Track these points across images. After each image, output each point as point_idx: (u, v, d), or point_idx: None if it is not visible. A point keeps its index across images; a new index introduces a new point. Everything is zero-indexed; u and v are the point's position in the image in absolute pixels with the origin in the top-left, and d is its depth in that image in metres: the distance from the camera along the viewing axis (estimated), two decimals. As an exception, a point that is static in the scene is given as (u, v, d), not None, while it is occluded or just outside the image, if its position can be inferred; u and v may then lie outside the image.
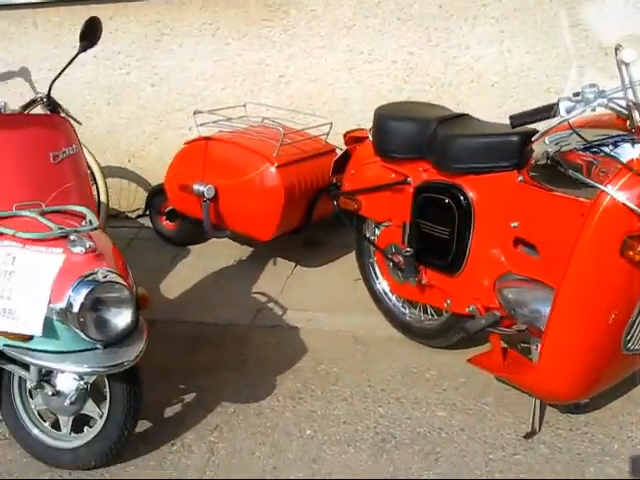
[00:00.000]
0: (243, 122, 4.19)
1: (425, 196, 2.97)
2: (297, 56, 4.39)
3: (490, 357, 2.84)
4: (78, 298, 2.22)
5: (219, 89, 4.59)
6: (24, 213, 2.59)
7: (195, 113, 4.09)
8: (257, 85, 4.52)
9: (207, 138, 3.99)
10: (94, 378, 2.56)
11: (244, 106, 4.36)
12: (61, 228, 2.43)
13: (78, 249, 2.31)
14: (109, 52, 4.72)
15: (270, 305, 3.83)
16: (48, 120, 2.95)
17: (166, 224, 4.59)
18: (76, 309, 2.22)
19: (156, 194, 4.60)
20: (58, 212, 2.69)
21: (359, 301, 3.73)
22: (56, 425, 2.72)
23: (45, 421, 2.74)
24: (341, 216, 3.53)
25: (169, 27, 4.54)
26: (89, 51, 4.62)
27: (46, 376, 2.57)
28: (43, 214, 2.58)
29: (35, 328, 2.22)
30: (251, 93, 4.53)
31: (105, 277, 2.27)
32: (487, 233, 2.78)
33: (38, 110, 3.27)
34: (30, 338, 2.30)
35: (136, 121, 4.85)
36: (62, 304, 2.23)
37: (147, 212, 4.73)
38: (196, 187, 3.85)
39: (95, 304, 2.28)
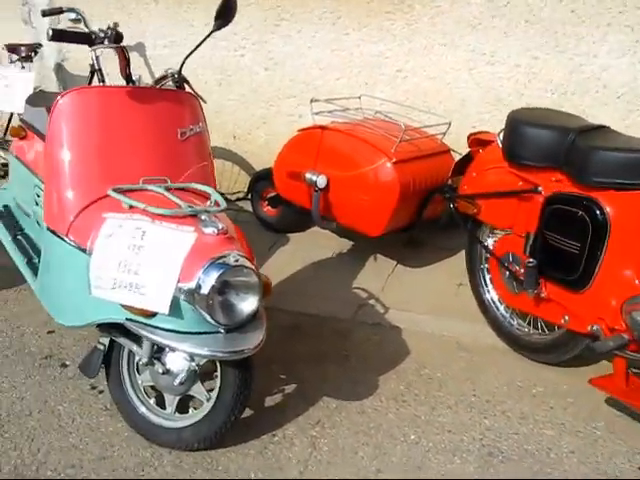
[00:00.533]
0: (358, 114, 4.13)
1: (556, 207, 2.85)
2: (417, 52, 4.30)
3: (613, 381, 2.73)
4: (208, 280, 2.18)
5: (333, 79, 4.54)
6: (151, 188, 2.58)
7: (312, 101, 4.05)
8: (373, 78, 4.44)
9: (323, 127, 3.94)
10: (206, 360, 2.54)
11: (359, 98, 4.29)
12: (190, 206, 2.41)
13: (210, 230, 2.28)
14: (226, 33, 4.67)
15: (371, 302, 3.76)
16: (177, 96, 2.94)
17: (267, 210, 4.57)
18: (205, 291, 2.18)
19: (260, 179, 4.59)
20: (182, 189, 2.68)
21: (462, 306, 3.65)
22: (160, 403, 2.71)
23: (150, 398, 2.73)
24: (457, 218, 3.45)
25: (289, 12, 4.50)
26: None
27: (157, 353, 2.56)
28: (168, 190, 2.57)
29: (162, 306, 2.20)
30: (366, 85, 4.46)
31: (236, 261, 2.23)
32: (622, 252, 2.66)
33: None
34: (153, 315, 2.28)
35: (245, 104, 4.83)
36: (191, 284, 2.19)
37: (249, 196, 4.71)
38: (308, 176, 3.81)
39: (223, 287, 2.24)
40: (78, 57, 5.25)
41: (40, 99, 3.67)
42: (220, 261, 2.21)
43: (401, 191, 3.62)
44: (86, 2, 4.95)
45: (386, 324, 3.57)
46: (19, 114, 4.90)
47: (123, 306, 2.30)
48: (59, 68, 5.34)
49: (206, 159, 2.94)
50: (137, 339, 2.54)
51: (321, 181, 3.76)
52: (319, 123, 4.03)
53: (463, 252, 4.17)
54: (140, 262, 2.24)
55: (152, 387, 2.74)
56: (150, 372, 2.63)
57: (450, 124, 3.93)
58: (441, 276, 4.03)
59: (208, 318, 2.22)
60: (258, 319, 2.40)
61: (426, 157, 3.81)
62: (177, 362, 2.54)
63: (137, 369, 2.72)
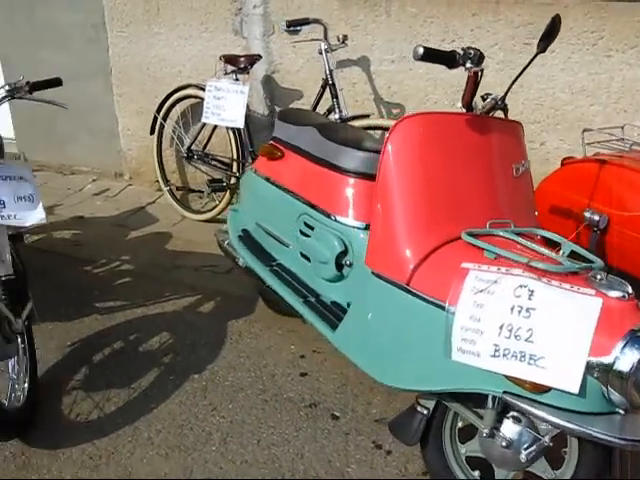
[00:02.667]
0: (626, 145, 3.76)
1: None
2: (691, 78, 3.89)
3: None
4: (629, 356, 1.83)
5: (586, 105, 4.15)
6: (501, 233, 2.28)
7: (584, 131, 3.69)
8: (634, 105, 4.04)
9: (600, 161, 3.55)
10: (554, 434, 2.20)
11: (622, 128, 3.91)
12: (572, 261, 2.09)
13: (617, 293, 1.93)
14: (464, 51, 4.38)
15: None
16: (509, 127, 2.61)
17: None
18: (624, 368, 1.83)
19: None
20: (527, 235, 2.38)
21: None
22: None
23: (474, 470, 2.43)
24: None
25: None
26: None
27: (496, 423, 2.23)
28: (519, 236, 2.28)
29: (572, 384, 1.86)
30: (624, 113, 4.06)
31: (662, 335, 1.88)
32: None
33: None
34: (547, 390, 1.95)
35: (479, 127, 4.49)
36: (605, 360, 1.85)
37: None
38: (588, 215, 3.43)
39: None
40: (289, 69, 5.02)
41: (299, 117, 3.43)
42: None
43: (702, 237, 3.21)
44: (308, 12, 4.72)
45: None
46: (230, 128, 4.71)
47: (506, 377, 1.99)
48: (267, 80, 5.12)
49: (532, 198, 2.63)
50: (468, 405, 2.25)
51: (603, 221, 3.39)
52: (588, 155, 3.67)
53: None
54: (532, 328, 1.92)
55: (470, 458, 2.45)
56: (481, 442, 2.31)
57: None
58: None
59: (618, 398, 1.88)
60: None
61: None
62: (522, 434, 2.19)
63: (458, 437, 2.43)
